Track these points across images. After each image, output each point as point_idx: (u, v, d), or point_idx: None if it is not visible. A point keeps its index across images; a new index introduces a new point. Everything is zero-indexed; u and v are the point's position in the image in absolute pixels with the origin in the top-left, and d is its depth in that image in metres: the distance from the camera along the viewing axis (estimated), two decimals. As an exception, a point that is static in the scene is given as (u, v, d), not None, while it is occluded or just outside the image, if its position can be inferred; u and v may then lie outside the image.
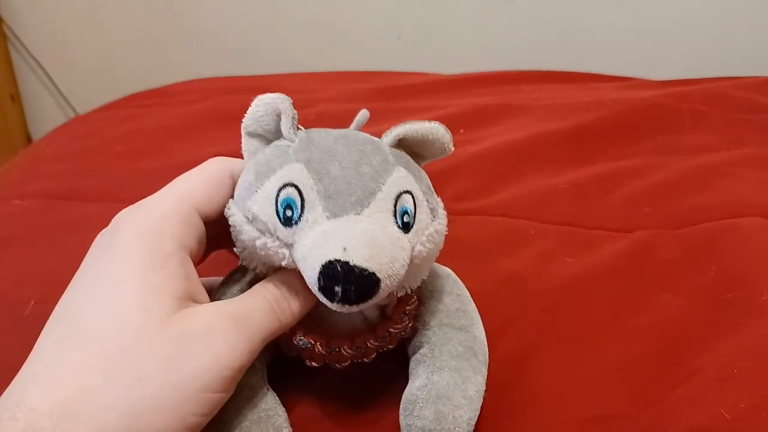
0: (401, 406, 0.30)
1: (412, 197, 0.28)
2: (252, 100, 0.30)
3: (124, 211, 0.29)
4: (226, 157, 0.32)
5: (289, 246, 0.27)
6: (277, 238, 0.27)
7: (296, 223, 0.27)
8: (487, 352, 0.32)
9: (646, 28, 1.11)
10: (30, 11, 1.34)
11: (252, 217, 0.28)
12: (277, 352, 0.32)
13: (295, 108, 0.29)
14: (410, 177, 0.29)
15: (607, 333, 0.36)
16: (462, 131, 0.60)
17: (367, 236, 0.26)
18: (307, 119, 0.67)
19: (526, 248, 0.43)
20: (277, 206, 0.27)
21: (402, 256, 0.27)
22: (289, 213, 0.27)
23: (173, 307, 0.26)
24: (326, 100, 0.70)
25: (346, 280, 0.25)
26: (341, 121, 0.53)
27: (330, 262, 0.25)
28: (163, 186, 0.54)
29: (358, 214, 0.27)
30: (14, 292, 0.41)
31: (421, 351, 0.32)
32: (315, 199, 0.27)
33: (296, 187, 0.27)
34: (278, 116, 0.29)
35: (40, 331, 0.27)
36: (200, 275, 0.29)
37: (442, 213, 0.31)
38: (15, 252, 0.46)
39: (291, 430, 0.29)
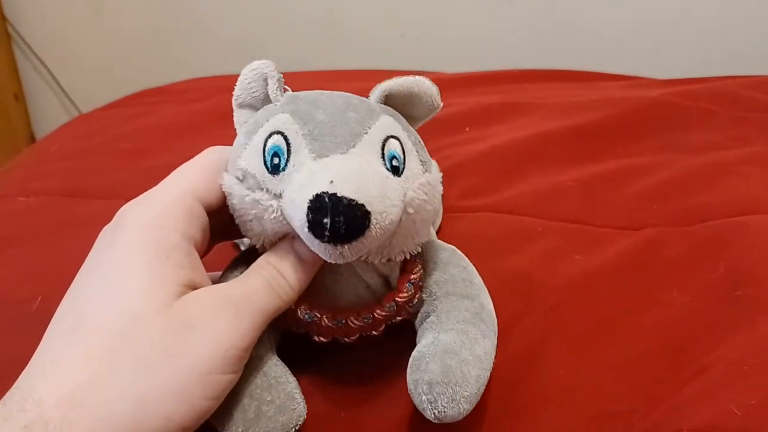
0: (409, 364, 0.29)
1: (400, 144, 0.28)
2: None
3: (126, 205, 0.29)
4: (224, 146, 0.32)
5: (279, 196, 0.27)
6: (267, 190, 0.27)
7: (284, 169, 0.27)
8: (496, 321, 0.32)
9: (649, 27, 1.11)
10: (34, 10, 1.34)
11: (243, 176, 0.28)
12: (285, 333, 0.32)
13: (276, 70, 0.30)
14: (397, 126, 0.29)
15: (615, 330, 0.36)
16: (467, 129, 0.60)
17: (353, 170, 0.25)
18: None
19: (533, 245, 0.43)
20: (264, 156, 0.27)
21: (392, 194, 0.26)
22: (276, 161, 0.27)
23: (177, 294, 0.26)
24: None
25: (334, 211, 0.24)
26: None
27: (317, 195, 0.24)
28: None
29: (344, 153, 0.26)
30: (20, 289, 0.41)
31: (428, 319, 0.31)
32: (301, 142, 0.27)
33: (282, 134, 0.27)
34: (265, 81, 0.29)
35: (47, 328, 0.27)
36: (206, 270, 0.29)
37: (435, 169, 0.30)
38: (21, 249, 0.46)
39: (302, 395, 0.29)
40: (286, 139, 0.27)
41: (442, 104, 0.31)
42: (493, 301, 0.34)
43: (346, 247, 0.25)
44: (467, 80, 0.75)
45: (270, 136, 0.27)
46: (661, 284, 0.39)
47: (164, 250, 0.27)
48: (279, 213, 0.27)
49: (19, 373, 0.25)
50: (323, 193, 0.24)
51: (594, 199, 0.48)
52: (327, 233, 0.24)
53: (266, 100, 0.30)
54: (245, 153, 0.28)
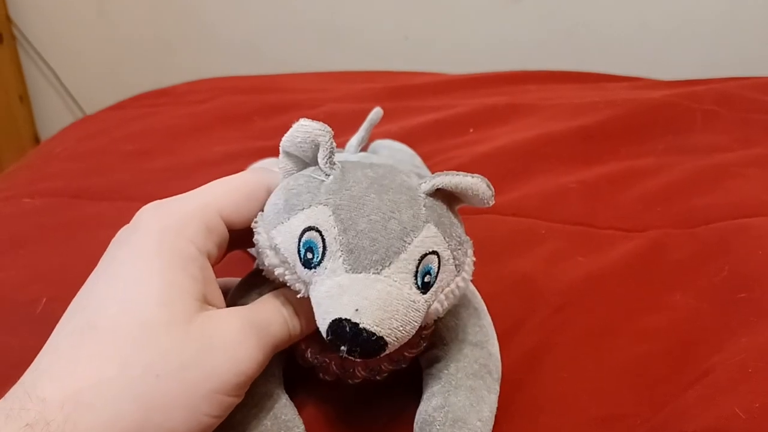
0: (416, 425, 0.30)
1: (438, 257, 0.27)
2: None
3: (146, 207, 0.29)
4: (268, 169, 0.31)
5: (306, 284, 0.27)
6: (296, 272, 0.27)
7: (315, 267, 0.26)
8: (501, 369, 0.32)
9: (654, 29, 1.11)
10: (38, 12, 1.34)
11: (274, 246, 0.28)
12: (290, 358, 0.32)
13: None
14: (439, 236, 0.28)
15: (619, 332, 0.36)
16: (471, 131, 0.60)
17: (381, 299, 0.25)
18: (316, 119, 0.67)
19: (537, 248, 0.43)
20: (299, 246, 0.27)
21: (414, 318, 0.26)
22: (309, 255, 0.27)
23: (194, 307, 0.26)
24: (334, 99, 0.70)
25: (353, 341, 0.25)
26: (350, 120, 0.54)
27: (340, 320, 0.25)
28: (174, 185, 0.54)
29: (377, 273, 0.26)
30: (26, 290, 0.41)
31: (436, 366, 0.31)
32: (337, 250, 0.26)
33: (320, 233, 0.27)
34: (316, 145, 0.28)
35: (52, 329, 0.27)
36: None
37: (469, 263, 0.29)
38: (26, 250, 0.46)
39: None
40: (323, 239, 0.26)
41: (493, 203, 0.29)
42: (496, 304, 0.34)
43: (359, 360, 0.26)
44: (471, 81, 0.75)
45: (308, 229, 0.27)
46: (665, 287, 0.39)
47: (180, 260, 0.27)
48: (306, 294, 0.27)
49: (20, 376, 0.25)
50: (346, 320, 0.25)
51: (597, 201, 0.48)
52: (342, 354, 0.25)
53: (315, 159, 0.29)
54: (281, 228, 0.28)
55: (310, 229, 0.27)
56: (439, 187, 0.28)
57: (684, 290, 0.38)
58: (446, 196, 0.29)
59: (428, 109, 0.65)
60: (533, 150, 0.55)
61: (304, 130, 0.28)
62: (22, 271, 0.44)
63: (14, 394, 0.24)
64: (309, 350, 0.30)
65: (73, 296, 0.27)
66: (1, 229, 0.49)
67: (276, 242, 0.28)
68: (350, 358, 0.25)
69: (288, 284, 0.28)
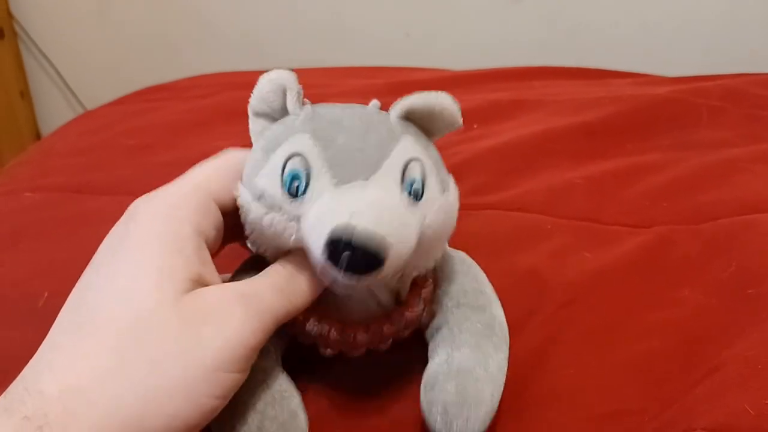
0: (422, 383, 0.29)
1: (421, 166, 0.28)
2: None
3: (139, 198, 0.29)
4: (243, 148, 0.31)
5: (297, 219, 0.27)
6: (285, 212, 0.27)
7: (303, 193, 0.26)
8: (507, 331, 0.32)
9: (657, 26, 1.10)
10: (40, 9, 1.34)
11: (260, 194, 0.27)
12: (292, 342, 0.31)
13: (296, 82, 0.29)
14: (418, 146, 0.28)
15: (626, 328, 0.35)
16: (475, 126, 0.60)
17: (375, 201, 0.25)
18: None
19: (542, 243, 0.43)
20: (283, 178, 0.27)
21: (411, 224, 0.26)
22: (296, 184, 0.26)
23: (187, 288, 0.26)
24: (336, 95, 0.69)
25: (353, 245, 0.24)
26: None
27: (337, 228, 0.24)
28: (176, 178, 0.53)
29: (365, 179, 0.26)
30: (27, 285, 0.41)
31: (439, 333, 0.31)
32: (322, 167, 0.26)
33: (302, 156, 0.26)
34: (284, 92, 0.29)
35: (56, 319, 0.26)
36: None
37: (453, 187, 0.30)
38: (27, 245, 0.46)
39: (305, 412, 0.29)
40: (306, 162, 0.26)
41: (462, 122, 0.30)
42: (502, 299, 0.34)
43: (362, 277, 0.25)
44: (475, 77, 0.74)
45: (290, 158, 0.27)
46: (672, 282, 0.38)
47: (175, 242, 0.26)
48: (298, 236, 0.27)
49: (21, 370, 0.25)
50: (343, 226, 0.24)
51: (603, 196, 0.48)
52: (344, 266, 0.24)
53: (284, 110, 0.29)
54: (263, 172, 0.27)
55: (291, 156, 0.27)
56: (407, 108, 0.29)
57: (692, 286, 0.38)
58: (417, 125, 0.30)
59: (432, 105, 0.65)
60: (538, 145, 0.55)
61: (269, 80, 0.29)
62: (24, 265, 0.44)
63: (14, 389, 0.24)
64: (307, 321, 0.29)
65: None
66: (2, 224, 0.49)
67: (260, 187, 0.27)
68: (354, 275, 0.24)
69: (279, 232, 0.27)
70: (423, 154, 0.28)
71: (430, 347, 0.31)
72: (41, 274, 0.42)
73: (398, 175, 0.27)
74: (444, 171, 0.30)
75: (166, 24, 1.31)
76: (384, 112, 0.29)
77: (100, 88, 1.27)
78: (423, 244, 0.27)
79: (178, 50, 1.32)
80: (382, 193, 0.26)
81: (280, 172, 0.27)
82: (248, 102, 0.31)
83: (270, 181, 0.27)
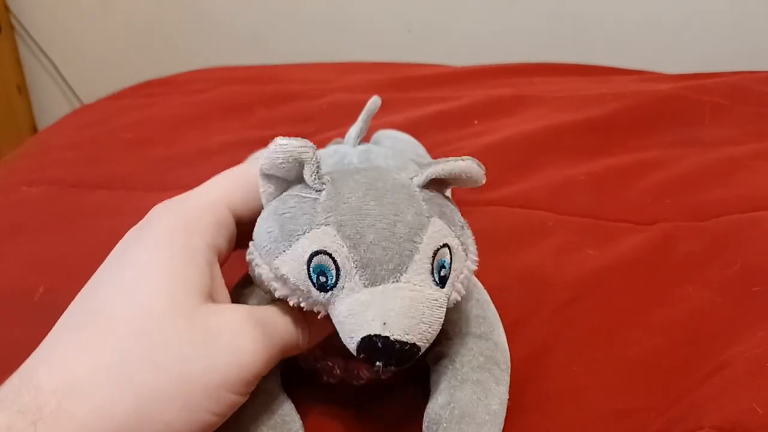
0: (424, 425, 0.29)
1: (449, 248, 0.27)
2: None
3: (157, 205, 0.28)
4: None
5: (325, 306, 0.26)
6: (311, 297, 0.26)
7: (331, 289, 0.26)
8: (509, 358, 0.31)
9: (661, 22, 1.10)
10: (37, 2, 1.33)
11: (282, 278, 0.26)
12: (291, 360, 0.31)
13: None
14: (445, 227, 0.27)
15: (631, 326, 0.35)
16: (476, 122, 0.59)
17: (406, 307, 0.25)
18: (319, 109, 0.66)
19: (545, 240, 0.42)
20: (309, 272, 0.26)
21: (439, 315, 0.26)
22: (323, 279, 0.26)
23: (199, 301, 0.25)
24: (337, 90, 0.69)
25: (387, 355, 0.24)
26: (353, 111, 0.53)
27: (370, 337, 0.24)
28: (173, 174, 0.53)
29: (396, 281, 0.25)
30: (23, 279, 0.40)
31: (441, 362, 0.31)
32: (351, 268, 0.25)
33: (329, 255, 0.25)
34: (300, 164, 0.27)
35: (49, 318, 0.26)
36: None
37: (472, 245, 0.29)
38: (24, 239, 0.45)
39: None
40: (334, 260, 0.25)
41: (485, 181, 0.29)
42: (504, 297, 0.33)
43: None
44: (476, 73, 0.74)
45: (316, 254, 0.26)
46: (676, 280, 0.38)
47: (188, 255, 0.26)
48: (324, 314, 0.27)
49: (18, 365, 0.25)
50: (376, 336, 0.24)
51: (606, 193, 0.47)
52: (378, 367, 0.25)
53: (299, 178, 0.28)
54: (284, 258, 0.26)
55: (318, 253, 0.26)
56: (432, 177, 0.28)
57: (696, 283, 0.37)
58: (438, 183, 0.29)
59: (433, 101, 0.64)
60: (540, 141, 0.54)
61: (284, 150, 0.26)
62: (20, 259, 0.43)
63: (10, 383, 0.23)
64: (311, 354, 0.29)
65: (72, 285, 0.27)
66: (-2, 218, 0.48)
67: (282, 273, 0.26)
68: (385, 369, 0.25)
69: (305, 309, 0.27)
70: (450, 233, 0.27)
71: (432, 378, 0.31)
72: (37, 268, 0.42)
73: (428, 267, 0.26)
74: (465, 232, 0.29)
75: (164, 17, 1.30)
76: (406, 181, 0.28)
77: (98, 82, 1.26)
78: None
79: (177, 44, 1.32)
80: (413, 294, 0.25)
81: (305, 265, 0.26)
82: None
83: (294, 271, 0.26)
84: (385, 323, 0.24)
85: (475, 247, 0.29)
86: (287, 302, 0.27)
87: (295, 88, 0.70)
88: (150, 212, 0.28)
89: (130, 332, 0.24)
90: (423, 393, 0.31)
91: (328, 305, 0.26)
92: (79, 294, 0.26)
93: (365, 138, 0.47)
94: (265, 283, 0.27)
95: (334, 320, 0.26)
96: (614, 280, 0.38)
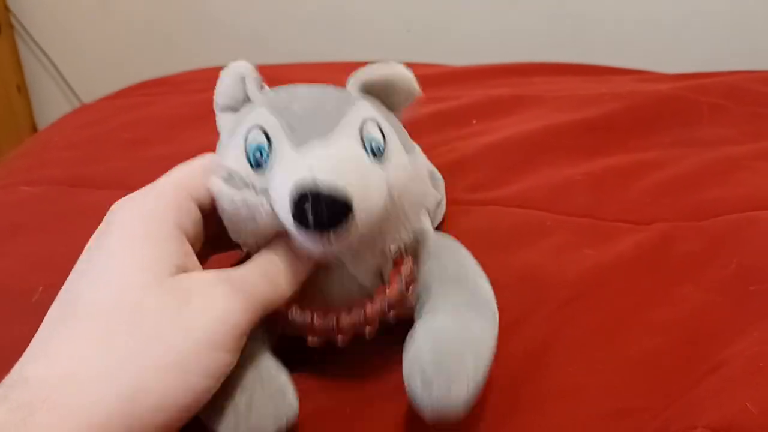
0: (403, 354, 0.28)
1: (379, 127, 0.28)
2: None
3: (118, 201, 0.29)
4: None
5: (266, 192, 0.27)
6: (254, 187, 0.27)
7: (266, 163, 0.27)
8: (495, 303, 0.31)
9: (660, 22, 1.10)
10: (37, 2, 1.33)
11: (228, 175, 0.28)
12: (281, 341, 0.31)
13: (256, 71, 0.30)
14: (376, 110, 0.29)
15: (628, 326, 0.35)
16: (475, 122, 0.59)
17: (333, 154, 0.25)
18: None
19: (543, 240, 0.42)
20: (247, 153, 0.27)
21: (374, 178, 0.26)
22: (258, 156, 0.27)
23: (171, 273, 0.26)
24: (336, 90, 0.69)
25: (315, 197, 0.24)
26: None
27: (297, 183, 0.24)
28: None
29: (323, 138, 0.26)
30: (22, 279, 0.41)
31: (423, 308, 0.31)
32: (280, 134, 0.27)
33: (261, 128, 0.27)
34: (243, 81, 0.29)
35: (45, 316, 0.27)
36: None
37: (419, 152, 0.30)
38: (23, 238, 0.46)
39: (295, 390, 0.29)
40: (265, 132, 0.27)
41: (420, 91, 0.30)
42: (502, 297, 0.33)
43: (332, 233, 0.25)
44: (475, 73, 0.74)
45: (250, 131, 0.27)
46: (674, 279, 0.38)
47: (156, 235, 0.27)
48: (270, 208, 0.27)
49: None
50: (302, 179, 0.24)
51: (604, 193, 0.48)
52: (310, 220, 0.24)
53: (247, 101, 0.30)
54: (229, 152, 0.28)
55: (251, 130, 0.27)
56: (363, 81, 0.29)
57: (694, 283, 0.37)
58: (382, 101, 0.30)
59: (431, 100, 0.64)
60: (538, 141, 0.54)
61: (227, 72, 0.30)
62: (19, 259, 0.43)
63: (4, 382, 0.24)
64: (290, 310, 0.29)
65: None
66: (-3, 217, 0.48)
67: (228, 167, 0.28)
68: (323, 232, 0.24)
69: (252, 211, 0.27)
70: (380, 116, 0.29)
71: (415, 324, 0.30)
72: (36, 268, 0.42)
73: (356, 133, 0.27)
74: (408, 138, 0.30)
75: (164, 17, 1.30)
76: (342, 87, 0.30)
77: (98, 82, 1.26)
78: (393, 207, 0.27)
79: (177, 44, 1.32)
80: (340, 148, 0.26)
81: (243, 147, 0.27)
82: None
83: (235, 159, 0.27)
84: (311, 168, 0.24)
85: (424, 156, 0.31)
86: (253, 258, 0.28)
87: (294, 87, 0.70)
88: (111, 207, 0.29)
89: (110, 318, 0.24)
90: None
91: (268, 187, 0.27)
92: (58, 295, 0.27)
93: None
94: (217, 194, 0.28)
95: (275, 203, 0.26)
96: (612, 279, 0.38)
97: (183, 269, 0.27)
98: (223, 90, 0.30)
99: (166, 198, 0.28)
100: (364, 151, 0.27)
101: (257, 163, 0.27)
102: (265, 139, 0.27)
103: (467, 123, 0.60)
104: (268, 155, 0.27)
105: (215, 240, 0.30)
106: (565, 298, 0.37)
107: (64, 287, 0.27)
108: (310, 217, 0.24)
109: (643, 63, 0.79)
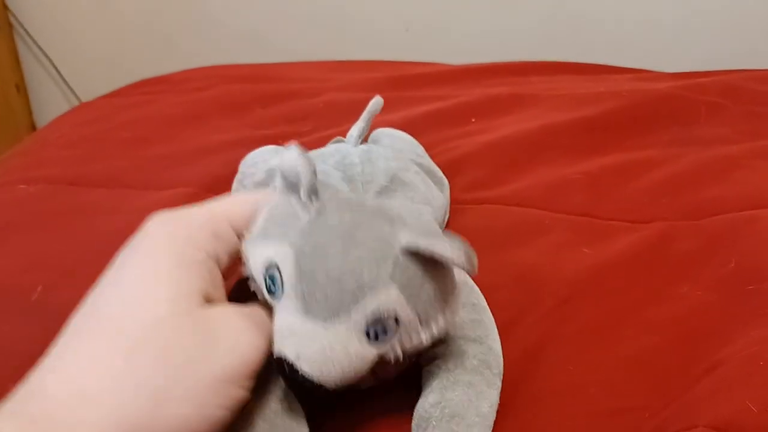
0: (413, 422, 0.29)
1: (395, 318, 0.27)
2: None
3: (155, 215, 0.29)
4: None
5: (272, 307, 0.28)
6: (263, 293, 0.28)
7: (275, 296, 0.28)
8: (502, 363, 0.32)
9: (658, 21, 1.10)
10: (36, 1, 1.33)
11: (249, 270, 0.29)
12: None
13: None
14: (401, 299, 0.27)
15: (626, 324, 0.35)
16: (473, 120, 0.59)
17: (322, 352, 0.26)
18: (315, 108, 0.66)
19: (541, 238, 0.42)
20: (263, 273, 0.28)
21: (355, 368, 0.27)
22: (270, 284, 0.28)
23: (198, 303, 0.26)
24: (334, 89, 0.69)
25: (293, 379, 0.26)
26: (350, 110, 0.53)
27: (284, 359, 0.26)
28: (171, 173, 0.53)
29: (324, 321, 0.26)
30: (21, 278, 0.40)
31: (434, 363, 0.31)
32: (292, 292, 0.27)
33: (280, 272, 0.27)
34: (298, 178, 0.29)
35: (48, 317, 0.27)
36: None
37: (443, 321, 0.29)
38: (21, 237, 0.45)
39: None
40: (282, 278, 0.27)
41: (475, 270, 0.27)
42: (499, 295, 0.33)
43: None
44: (473, 72, 0.74)
45: (270, 266, 0.28)
46: (672, 278, 0.38)
47: (187, 262, 0.27)
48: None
49: (16, 364, 0.25)
50: (288, 358, 0.26)
51: (602, 191, 0.48)
52: (288, 376, 0.26)
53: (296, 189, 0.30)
54: (255, 252, 0.29)
55: (271, 265, 0.28)
56: (410, 248, 0.27)
57: (692, 282, 0.37)
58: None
59: (430, 99, 0.64)
60: (537, 140, 0.54)
61: (289, 158, 0.29)
62: (18, 258, 0.43)
63: (19, 393, 0.24)
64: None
65: (70, 283, 0.28)
66: (-5, 216, 0.48)
67: (249, 264, 0.29)
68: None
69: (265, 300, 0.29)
70: (403, 301, 0.27)
71: (424, 377, 0.31)
72: (35, 267, 0.42)
73: (361, 324, 0.27)
74: (431, 310, 0.28)
75: (163, 16, 1.30)
76: (391, 240, 0.27)
77: (97, 81, 1.26)
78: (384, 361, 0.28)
79: (176, 42, 1.32)
80: (333, 340, 0.26)
81: (262, 269, 0.28)
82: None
83: (256, 266, 0.28)
84: (298, 357, 0.26)
85: (444, 324, 0.28)
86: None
87: (293, 86, 0.70)
88: (146, 222, 0.29)
89: (135, 338, 0.24)
90: (416, 394, 0.31)
91: (274, 308, 0.28)
92: (82, 304, 0.27)
93: (364, 138, 0.47)
94: (245, 260, 0.29)
95: (273, 326, 0.28)
96: (610, 278, 0.38)
97: (209, 299, 0.27)
98: (284, 169, 0.29)
99: (203, 224, 0.28)
100: (359, 340, 0.27)
101: (269, 290, 0.28)
102: (279, 281, 0.27)
103: (466, 122, 0.60)
104: (278, 292, 0.27)
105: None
106: (563, 297, 0.37)
107: (89, 297, 0.27)
108: (288, 375, 0.26)
109: (641, 62, 0.80)
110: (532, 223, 0.44)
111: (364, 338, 0.27)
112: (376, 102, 0.42)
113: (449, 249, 0.27)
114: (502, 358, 0.32)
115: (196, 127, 0.62)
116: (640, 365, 0.32)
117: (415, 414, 0.29)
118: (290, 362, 0.26)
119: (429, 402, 0.29)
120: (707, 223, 0.43)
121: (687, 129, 0.57)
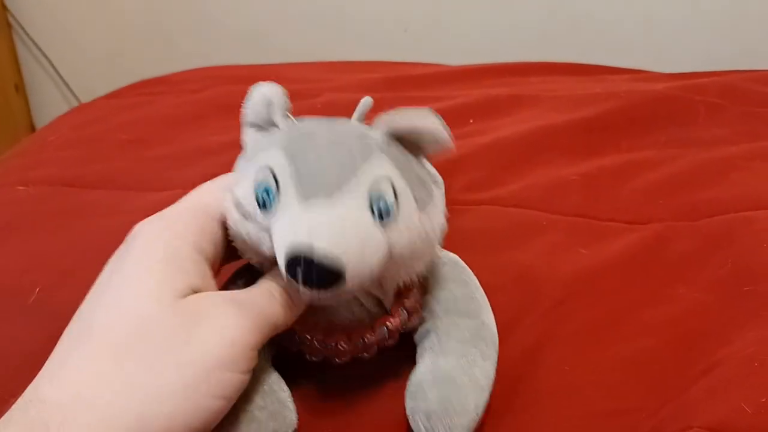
0: (406, 390, 0.29)
1: (391, 184, 0.27)
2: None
3: (141, 221, 0.29)
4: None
5: (268, 231, 0.27)
6: (257, 222, 0.27)
7: (271, 206, 0.27)
8: (497, 339, 0.32)
9: (657, 21, 1.10)
10: (35, 0, 1.33)
11: (237, 203, 0.28)
12: (280, 349, 0.31)
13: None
14: (392, 165, 0.28)
15: (622, 325, 0.35)
16: (471, 121, 0.60)
17: (335, 219, 0.25)
18: (313, 108, 0.66)
19: (538, 239, 0.42)
20: (255, 192, 0.27)
21: (373, 244, 0.26)
22: (265, 196, 0.27)
23: (183, 295, 0.26)
24: (332, 89, 0.69)
25: (307, 264, 0.24)
26: (349, 110, 0.53)
27: (294, 246, 0.25)
28: (170, 174, 0.53)
29: (328, 196, 0.26)
30: (19, 279, 0.40)
31: (427, 339, 0.31)
32: (288, 182, 0.26)
33: (271, 170, 0.27)
34: (270, 105, 0.29)
35: (47, 317, 0.28)
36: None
37: (435, 207, 0.29)
38: (19, 238, 0.46)
39: (294, 404, 0.29)
40: (275, 176, 0.27)
41: (451, 143, 0.29)
42: (496, 296, 0.33)
43: (321, 292, 0.25)
44: (472, 72, 0.74)
45: (260, 170, 0.27)
46: (669, 279, 0.38)
47: (172, 256, 0.27)
48: (271, 244, 0.27)
49: (15, 364, 0.25)
50: (299, 243, 0.25)
51: (599, 193, 0.48)
52: (300, 280, 0.25)
53: (272, 122, 0.30)
54: (242, 181, 0.28)
55: (262, 169, 0.27)
56: (390, 128, 0.28)
57: (688, 283, 0.38)
58: (408, 146, 0.29)
59: (428, 100, 0.64)
60: (534, 141, 0.54)
61: (258, 91, 0.30)
62: (16, 259, 0.44)
63: (18, 403, 0.24)
64: (291, 329, 0.30)
65: (68, 284, 0.28)
66: (-6, 217, 0.48)
67: (237, 197, 0.28)
68: (313, 289, 0.25)
69: (254, 242, 0.28)
70: (396, 172, 0.28)
71: (418, 352, 0.31)
72: (33, 268, 0.42)
73: (364, 193, 0.26)
74: (425, 189, 0.29)
75: (163, 16, 1.30)
76: (367, 126, 0.29)
77: (96, 82, 1.26)
78: (397, 261, 0.28)
79: (175, 43, 1.32)
80: (343, 211, 0.26)
81: (252, 184, 0.27)
82: (244, 99, 0.31)
83: (245, 192, 0.28)
84: (309, 233, 0.25)
85: (441, 211, 0.30)
86: (262, 279, 0.28)
87: (291, 87, 0.69)
88: (132, 229, 0.29)
89: (121, 338, 0.25)
90: (410, 370, 0.31)
91: (270, 228, 0.27)
92: (77, 311, 0.27)
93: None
94: (227, 213, 0.29)
95: (274, 246, 0.27)
96: (607, 279, 0.39)
97: (195, 290, 0.27)
98: (250, 108, 0.30)
99: (184, 219, 0.28)
100: (368, 213, 0.26)
101: (263, 203, 0.27)
102: (273, 183, 0.27)
103: (464, 122, 0.60)
104: (274, 198, 0.27)
105: (234, 250, 0.31)
106: (560, 298, 0.37)
107: (82, 306, 0.27)
108: (300, 278, 0.25)
109: (640, 63, 0.80)
110: (529, 224, 0.44)
111: (369, 210, 0.26)
112: (365, 103, 0.43)
113: (429, 119, 0.28)
114: (496, 335, 0.32)
115: (195, 128, 0.62)
116: (637, 366, 0.33)
117: (408, 382, 0.30)
118: (304, 256, 0.24)
119: (421, 370, 0.30)
120: (704, 225, 0.43)
121: (685, 130, 0.57)
